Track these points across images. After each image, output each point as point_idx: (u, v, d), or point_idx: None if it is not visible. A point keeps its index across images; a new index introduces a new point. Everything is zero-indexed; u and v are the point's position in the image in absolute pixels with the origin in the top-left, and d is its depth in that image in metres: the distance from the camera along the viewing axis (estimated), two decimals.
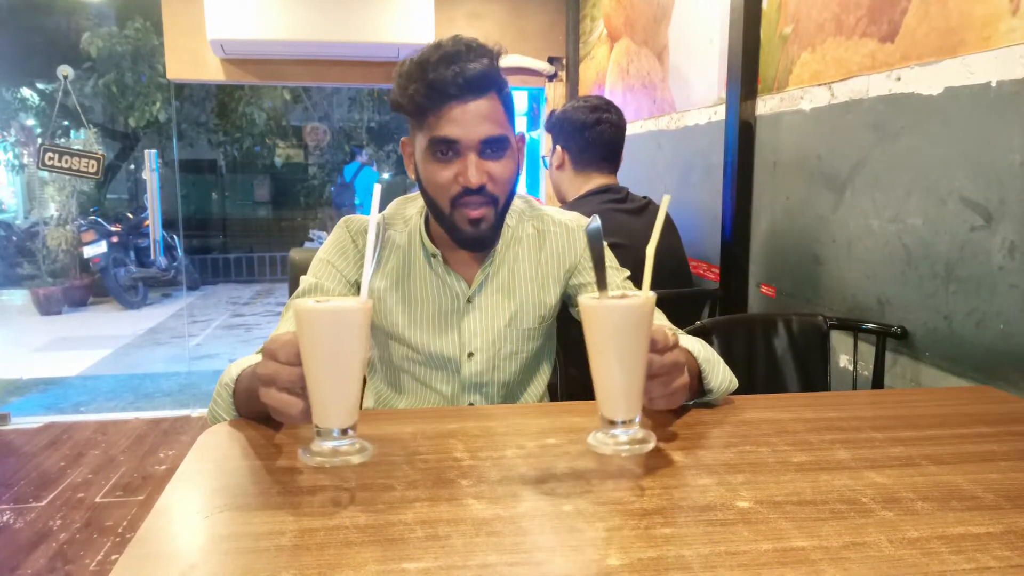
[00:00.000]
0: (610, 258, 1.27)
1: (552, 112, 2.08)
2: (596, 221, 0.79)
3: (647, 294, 0.76)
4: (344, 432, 0.75)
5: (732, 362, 1.41)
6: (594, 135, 1.94)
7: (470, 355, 1.19)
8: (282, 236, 11.78)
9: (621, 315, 0.74)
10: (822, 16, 1.69)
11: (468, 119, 1.05)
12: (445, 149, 1.07)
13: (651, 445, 0.74)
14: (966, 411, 1.02)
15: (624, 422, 0.75)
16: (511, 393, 1.25)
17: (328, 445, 0.74)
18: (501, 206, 1.12)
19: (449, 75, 1.03)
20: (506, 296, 1.20)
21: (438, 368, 1.20)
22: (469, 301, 1.19)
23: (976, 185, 1.27)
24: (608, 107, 1.97)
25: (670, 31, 2.59)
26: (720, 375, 1.01)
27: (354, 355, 0.73)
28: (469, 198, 1.08)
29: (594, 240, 0.78)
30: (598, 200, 1.90)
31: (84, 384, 4.93)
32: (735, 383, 1.04)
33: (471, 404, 1.20)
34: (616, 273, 1.26)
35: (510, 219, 1.23)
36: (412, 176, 1.17)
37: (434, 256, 1.18)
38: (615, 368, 0.75)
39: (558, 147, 2.02)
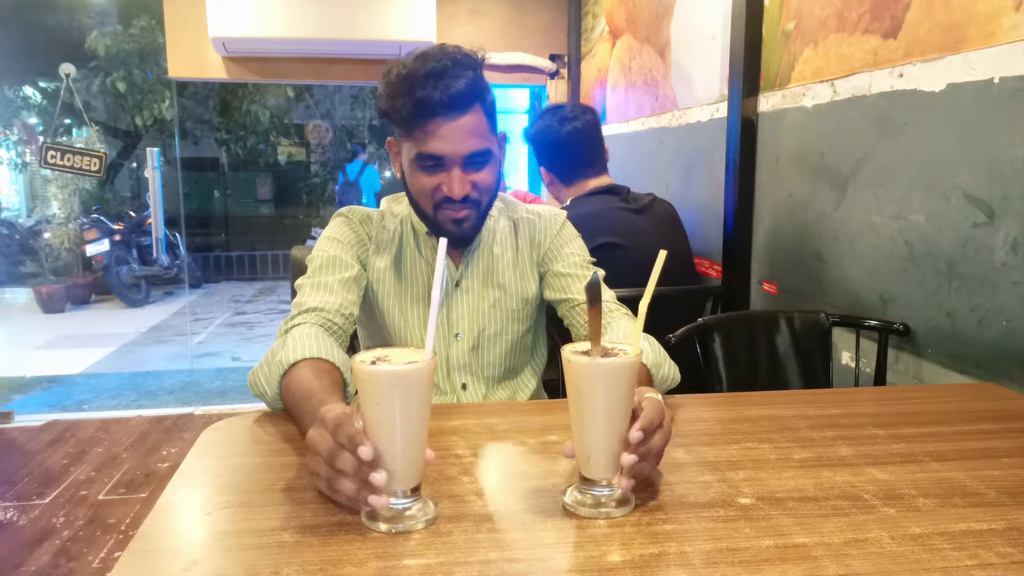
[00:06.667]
0: (582, 249, 1.29)
1: (526, 130, 2.12)
2: (598, 275, 0.75)
3: (634, 352, 0.71)
4: (411, 492, 0.69)
5: (734, 359, 1.40)
6: (570, 146, 1.98)
7: (456, 336, 1.24)
8: (284, 234, 11.77)
9: (604, 373, 0.69)
10: (824, 12, 1.69)
11: (453, 135, 1.08)
12: (431, 163, 1.11)
13: (630, 507, 0.71)
14: (968, 408, 1.02)
15: (604, 482, 0.71)
16: (502, 376, 1.28)
17: (394, 507, 0.68)
18: (483, 207, 1.19)
19: (435, 93, 1.05)
20: (490, 280, 1.25)
21: None
22: (457, 285, 1.24)
23: (979, 182, 1.26)
24: (574, 113, 2.00)
25: (672, 28, 2.58)
26: (664, 374, 1.06)
27: (421, 414, 0.69)
28: (452, 204, 1.14)
29: (593, 292, 0.73)
30: (599, 199, 1.91)
31: (87, 382, 4.93)
32: (677, 378, 1.09)
33: (463, 385, 1.25)
34: (583, 260, 1.28)
35: (492, 211, 1.29)
36: (398, 175, 1.21)
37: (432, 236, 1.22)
38: (599, 427, 0.70)
39: (543, 168, 2.07)
